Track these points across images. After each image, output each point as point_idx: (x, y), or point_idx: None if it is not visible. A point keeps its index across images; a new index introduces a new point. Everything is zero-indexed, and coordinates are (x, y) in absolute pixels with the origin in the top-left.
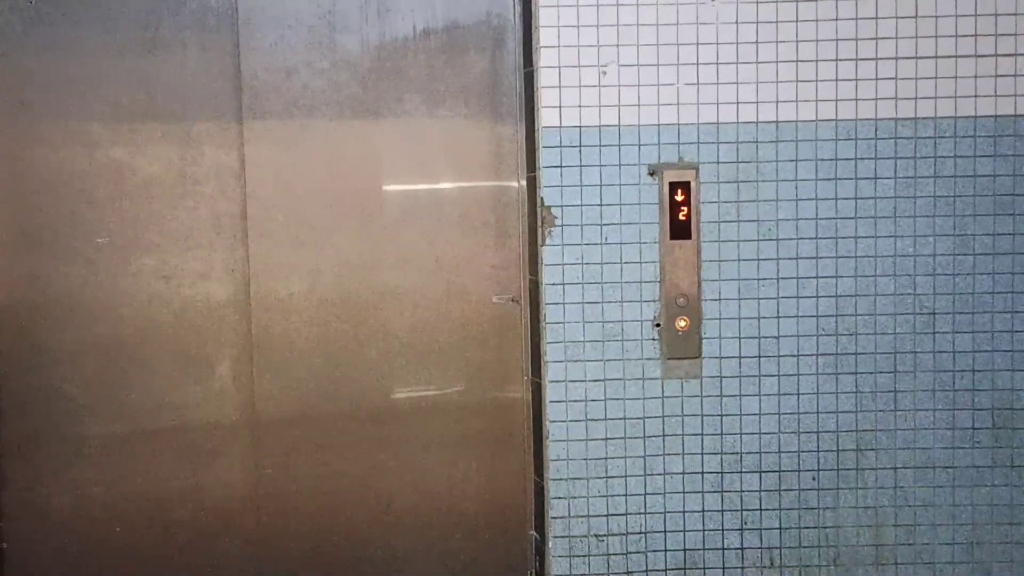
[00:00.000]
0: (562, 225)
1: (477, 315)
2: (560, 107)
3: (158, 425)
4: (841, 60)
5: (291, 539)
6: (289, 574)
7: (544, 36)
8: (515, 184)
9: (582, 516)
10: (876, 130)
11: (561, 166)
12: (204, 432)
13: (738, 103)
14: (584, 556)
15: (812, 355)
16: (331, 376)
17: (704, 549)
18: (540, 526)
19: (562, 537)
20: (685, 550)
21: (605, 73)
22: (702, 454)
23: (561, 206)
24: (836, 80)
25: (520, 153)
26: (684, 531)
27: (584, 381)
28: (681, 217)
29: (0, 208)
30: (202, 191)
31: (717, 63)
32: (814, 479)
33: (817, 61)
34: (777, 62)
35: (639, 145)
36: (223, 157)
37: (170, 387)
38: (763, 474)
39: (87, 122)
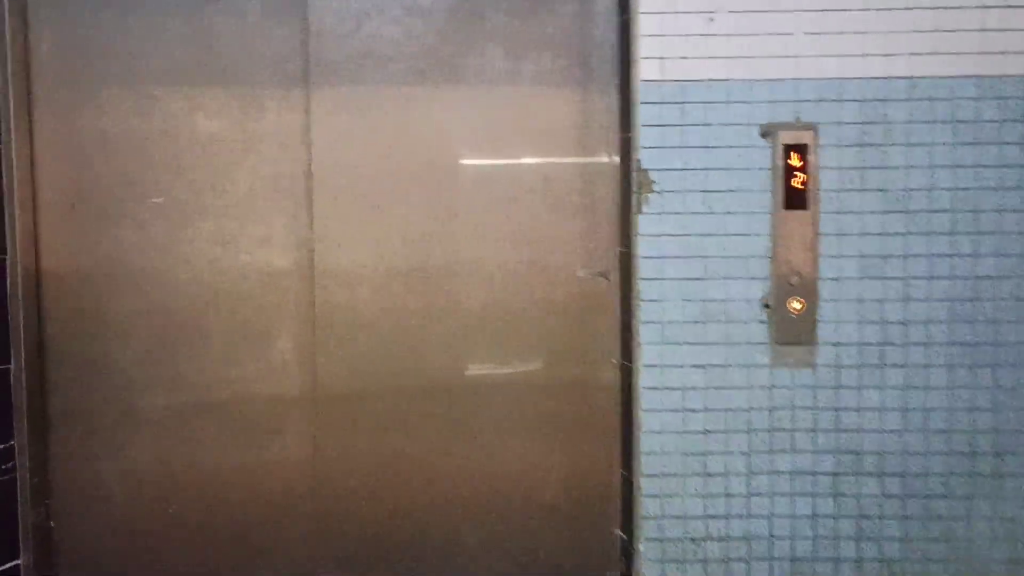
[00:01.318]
0: (661, 191)
1: (560, 290)
2: (661, 59)
3: (213, 400)
4: (987, 7)
5: (349, 522)
6: (346, 558)
7: None
8: (606, 146)
9: (677, 517)
10: None
11: (661, 125)
12: (261, 409)
13: (865, 55)
14: (679, 562)
15: (944, 344)
16: (399, 352)
17: (814, 559)
18: (628, 525)
19: (655, 540)
20: (793, 559)
21: (713, 20)
22: (814, 452)
23: (660, 170)
24: (981, 31)
25: (612, 111)
26: (792, 538)
27: (682, 367)
28: (796, 184)
29: (48, 168)
30: (264, 150)
31: (841, 9)
32: (944, 485)
33: (959, 8)
34: (911, 8)
35: (750, 102)
36: (287, 114)
37: (226, 360)
38: (884, 477)
39: (142, 77)
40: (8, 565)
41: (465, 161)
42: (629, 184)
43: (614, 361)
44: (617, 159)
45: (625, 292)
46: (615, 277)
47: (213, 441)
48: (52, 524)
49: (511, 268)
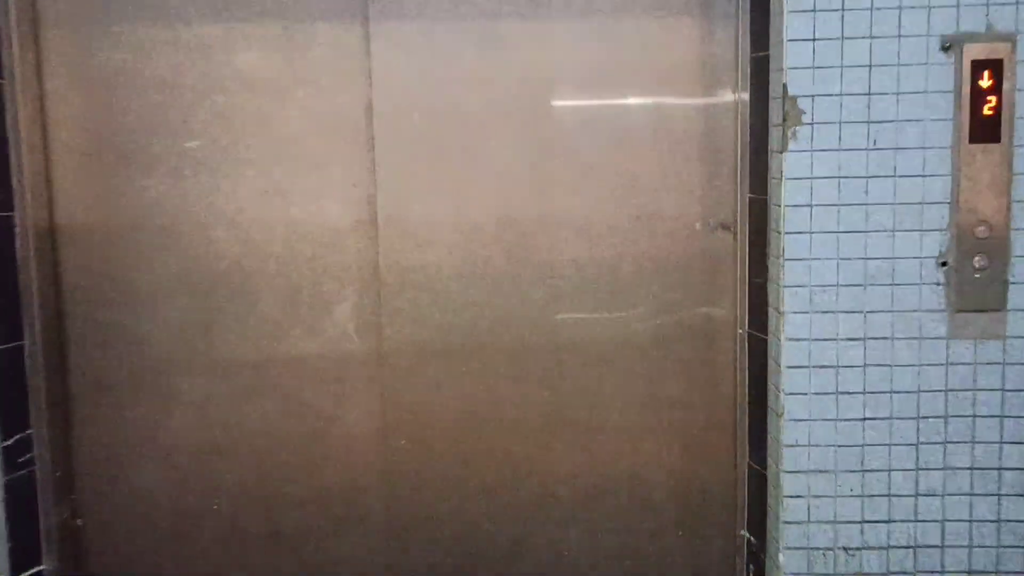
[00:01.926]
0: (812, 123)
1: (674, 246)
2: None
3: (262, 380)
4: None
5: (426, 526)
6: (425, 566)
7: None
8: (729, 81)
9: (827, 522)
10: None
11: (814, 39)
12: (317, 391)
13: None
14: None
15: None
16: (480, 323)
17: (997, 573)
18: (758, 527)
19: (798, 548)
20: (970, 573)
21: None
22: (1001, 443)
23: (812, 96)
24: None
25: (740, 18)
26: (970, 547)
27: (835, 340)
28: (987, 111)
29: (61, 107)
30: (316, 83)
31: None
32: None
33: None
34: None
35: (928, 7)
36: (343, 35)
37: (275, 334)
38: None
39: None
40: (30, 572)
41: (560, 102)
42: (762, 117)
43: (741, 333)
44: (744, 96)
45: (756, 248)
46: (742, 230)
47: (261, 427)
48: (80, 523)
49: (614, 221)
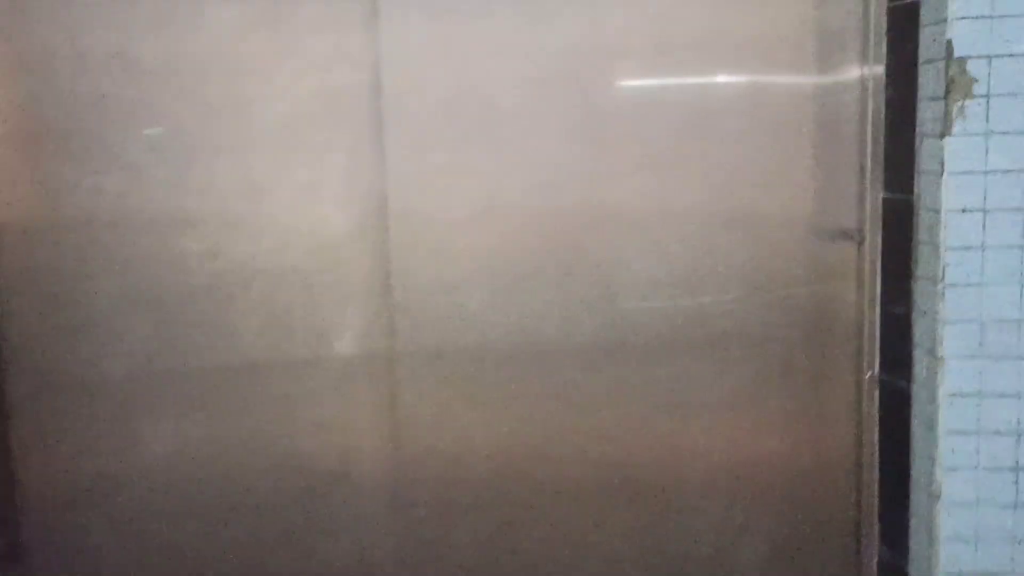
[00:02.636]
0: (988, 95)
1: (773, 259)
2: None
3: (238, 433)
4: None
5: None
6: None
7: None
8: (855, 28)
9: None
10: None
11: None
12: (308, 466)
13: None
14: None
15: None
16: (518, 353)
17: None
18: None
19: None
20: None
21: None
22: None
23: (989, 57)
24: None
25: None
26: None
27: (1018, 397)
28: None
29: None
30: (309, 56)
31: None
32: None
33: None
34: None
35: None
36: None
37: (257, 376)
38: None
39: None
40: None
41: (621, 81)
42: (904, 89)
43: (870, 376)
44: (875, 65)
45: (894, 265)
46: (872, 241)
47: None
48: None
49: (694, 222)
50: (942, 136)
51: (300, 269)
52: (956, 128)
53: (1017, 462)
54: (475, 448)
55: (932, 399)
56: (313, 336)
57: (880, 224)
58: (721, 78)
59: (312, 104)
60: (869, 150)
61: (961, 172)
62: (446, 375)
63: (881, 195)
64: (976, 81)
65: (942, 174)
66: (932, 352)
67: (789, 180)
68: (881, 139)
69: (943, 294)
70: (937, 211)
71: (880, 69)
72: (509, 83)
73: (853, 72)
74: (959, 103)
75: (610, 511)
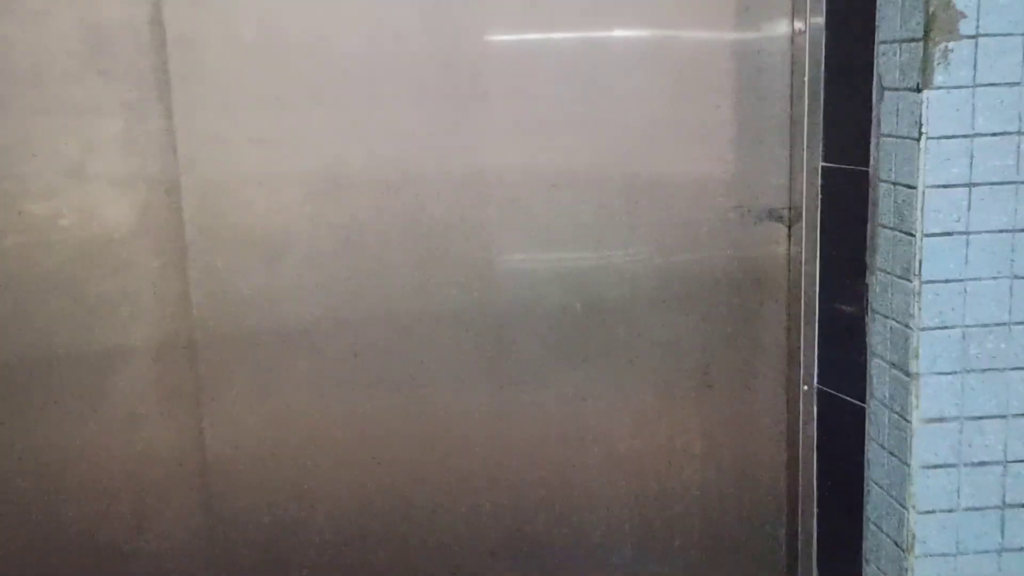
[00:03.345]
0: (976, 35)
1: (686, 243)
2: None
3: None
4: None
5: None
6: None
7: None
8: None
9: None
10: None
11: None
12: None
13: None
14: None
15: None
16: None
17: None
18: None
19: None
20: None
21: None
22: None
23: None
24: None
25: None
26: None
27: (1005, 417)
28: None
29: None
30: None
31: None
32: None
33: None
34: None
35: None
36: None
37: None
38: None
39: None
40: None
41: (495, 36)
42: (850, 33)
43: (806, 390)
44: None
45: (838, 252)
46: (809, 221)
47: None
48: None
49: (580, 203)
50: (919, 89)
51: (56, 282)
52: (938, 78)
53: (1003, 498)
54: (289, 441)
55: (901, 425)
56: (101, 326)
57: (817, 201)
58: (620, 30)
59: (70, 49)
60: (806, 107)
61: (944, 136)
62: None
63: (820, 164)
64: (964, 17)
65: (919, 139)
66: (901, 366)
67: (701, 147)
68: (819, 92)
69: (918, 293)
70: (911, 187)
71: (818, 3)
72: (349, 27)
73: (780, 7)
74: (942, 46)
75: (447, 498)
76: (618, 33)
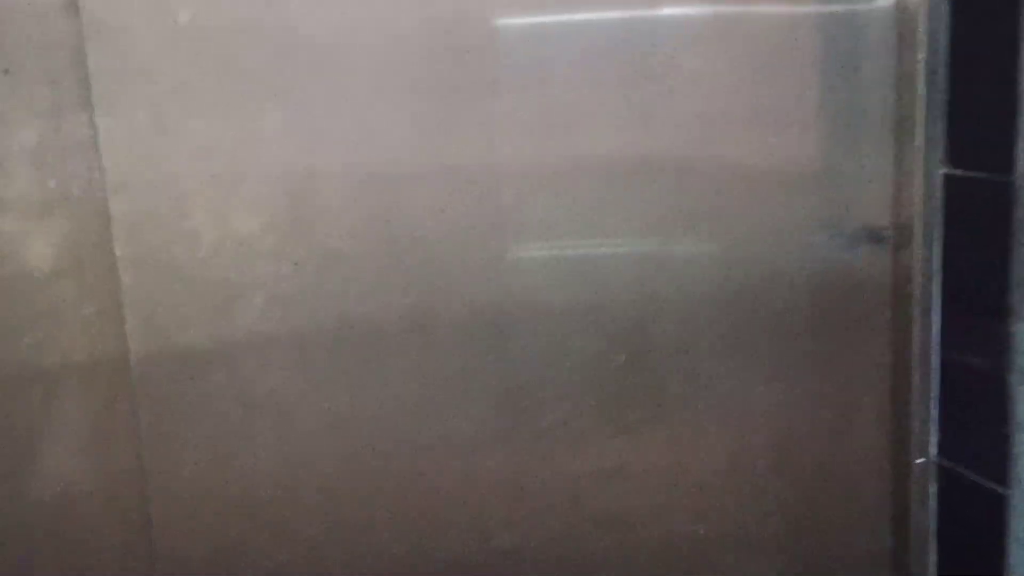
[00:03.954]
0: None
1: (761, 272)
2: None
3: None
4: None
5: None
6: None
7: None
8: None
9: None
10: None
11: None
12: None
13: None
14: None
15: None
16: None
17: None
18: None
19: None
20: None
21: None
22: None
23: None
24: None
25: None
26: None
27: None
28: None
29: None
30: None
31: None
32: None
33: None
34: None
35: None
36: None
37: None
38: None
39: None
40: None
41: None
42: (981, 7)
43: (920, 464)
44: None
45: (966, 286)
46: (925, 244)
47: None
48: None
49: (615, 220)
50: None
51: None
52: None
53: None
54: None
55: None
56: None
57: (938, 219)
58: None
59: None
60: (920, 95)
61: None
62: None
63: (941, 171)
64: None
65: None
66: None
67: (778, 147)
68: (940, 77)
69: None
70: None
71: None
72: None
73: None
74: None
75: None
76: (673, 8)
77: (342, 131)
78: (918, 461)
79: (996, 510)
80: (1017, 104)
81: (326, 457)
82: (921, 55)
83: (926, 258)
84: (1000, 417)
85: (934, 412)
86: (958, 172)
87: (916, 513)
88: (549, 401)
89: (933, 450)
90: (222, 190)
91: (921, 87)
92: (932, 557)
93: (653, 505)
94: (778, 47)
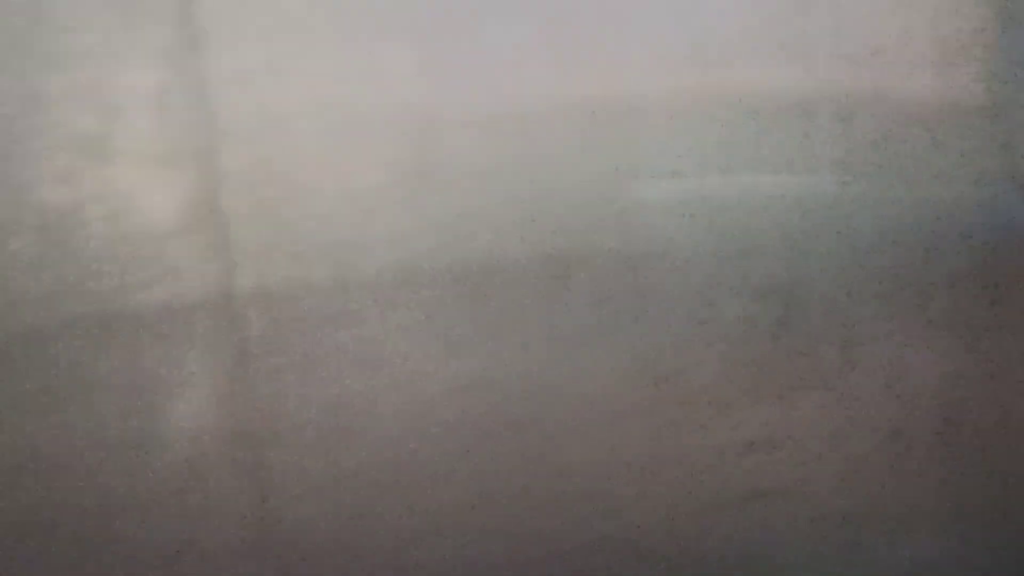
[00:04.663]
0: None
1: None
2: None
3: None
4: None
5: None
6: None
7: None
8: None
9: None
10: None
11: None
12: None
13: None
14: None
15: None
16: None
17: None
18: None
19: None
20: None
21: None
22: None
23: None
24: None
25: None
26: None
27: None
28: None
29: None
30: None
31: None
32: None
33: None
34: None
35: None
36: None
37: None
38: None
39: None
40: None
41: None
42: None
43: None
44: None
45: None
46: None
47: None
48: None
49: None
50: None
51: None
52: None
53: None
54: None
55: None
56: None
57: None
58: None
59: None
60: None
61: None
62: None
63: None
64: None
65: None
66: None
67: (950, 90)
68: None
69: None
70: None
71: None
72: None
73: None
74: None
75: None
76: None
77: (472, 69)
78: None
79: None
80: None
81: (454, 422)
82: None
83: None
84: None
85: None
86: None
87: None
88: (691, 365)
89: None
90: (341, 137)
91: None
92: None
93: (804, 479)
94: None
